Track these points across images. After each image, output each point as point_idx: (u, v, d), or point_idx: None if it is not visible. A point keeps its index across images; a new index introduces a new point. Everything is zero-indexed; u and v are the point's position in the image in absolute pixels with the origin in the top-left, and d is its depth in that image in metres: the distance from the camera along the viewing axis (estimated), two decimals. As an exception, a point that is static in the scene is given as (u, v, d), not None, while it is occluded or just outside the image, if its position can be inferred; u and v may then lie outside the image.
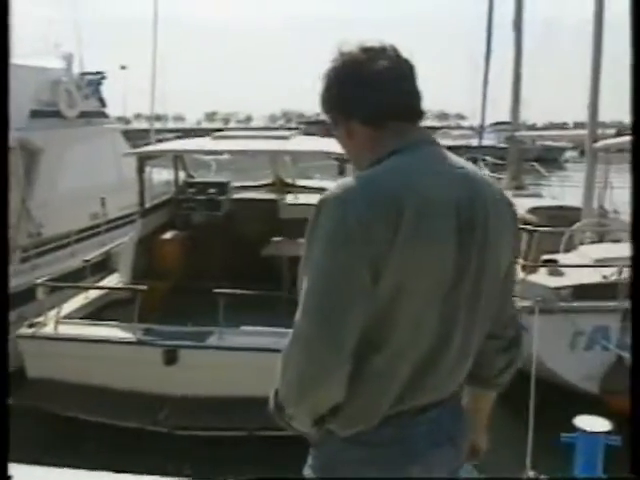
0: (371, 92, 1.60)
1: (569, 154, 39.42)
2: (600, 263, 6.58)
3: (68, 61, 11.07)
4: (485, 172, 11.58)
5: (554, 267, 6.64)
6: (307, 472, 1.70)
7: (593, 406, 4.30)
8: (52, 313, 6.01)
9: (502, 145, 19.86)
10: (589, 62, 8.86)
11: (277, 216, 8.42)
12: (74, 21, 14.19)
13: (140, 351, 5.64)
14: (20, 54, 8.42)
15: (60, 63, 10.91)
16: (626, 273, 6.09)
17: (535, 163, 16.57)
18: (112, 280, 7.16)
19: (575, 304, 6.19)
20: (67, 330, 5.86)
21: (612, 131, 12.02)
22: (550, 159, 30.93)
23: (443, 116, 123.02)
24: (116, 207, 10.15)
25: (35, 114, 9.30)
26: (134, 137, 16.12)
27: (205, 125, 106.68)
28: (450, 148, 1.74)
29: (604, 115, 9.43)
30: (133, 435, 5.35)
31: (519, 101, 13.72)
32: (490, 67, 14.60)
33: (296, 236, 7.43)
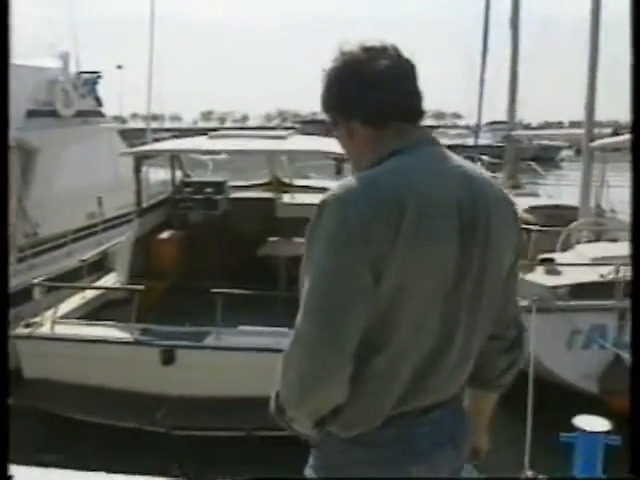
0: (372, 92, 1.59)
1: (565, 153, 39.52)
2: (597, 262, 6.59)
3: (64, 60, 11.05)
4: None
5: (551, 266, 6.65)
6: (308, 472, 1.69)
7: (592, 405, 4.31)
8: (49, 313, 5.99)
9: (498, 144, 19.88)
10: (585, 61, 8.87)
11: (274, 215, 8.41)
12: (70, 21, 14.12)
13: (137, 351, 5.63)
14: (16, 54, 8.40)
15: (56, 63, 10.90)
16: (623, 272, 6.10)
17: (532, 162, 16.59)
18: (109, 280, 7.14)
19: (572, 303, 6.19)
20: (64, 330, 5.84)
21: (608, 130, 12.05)
22: (546, 158, 30.99)
23: (440, 115, 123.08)
24: (113, 207, 10.13)
25: (31, 114, 9.28)
26: (130, 136, 16.09)
27: (201, 124, 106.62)
28: (447, 147, 1.73)
29: (600, 114, 9.43)
30: (130, 435, 5.34)
31: (515, 100, 13.73)
32: (487, 66, 14.61)
33: (293, 235, 7.52)
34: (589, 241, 8.11)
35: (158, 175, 10.49)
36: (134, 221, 7.58)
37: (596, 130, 9.35)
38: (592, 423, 2.92)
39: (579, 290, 6.26)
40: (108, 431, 5.39)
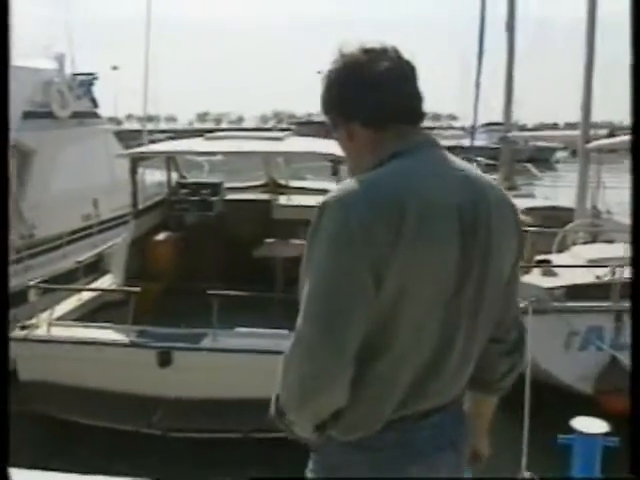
0: (372, 94, 1.58)
1: (560, 154, 39.56)
2: (593, 263, 6.60)
3: (60, 62, 11.03)
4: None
5: (547, 267, 6.65)
6: (309, 476, 1.69)
7: (589, 407, 4.31)
8: (45, 315, 5.97)
9: (494, 145, 19.89)
10: (581, 62, 8.88)
11: (270, 217, 8.40)
12: (66, 22, 14.10)
13: (134, 353, 5.61)
14: (13, 55, 8.38)
15: (52, 64, 10.88)
16: (619, 273, 6.11)
17: (527, 163, 16.60)
18: (105, 281, 7.12)
19: (569, 304, 6.19)
20: (60, 332, 5.82)
21: (604, 131, 12.06)
22: (541, 159, 31.02)
23: (435, 117, 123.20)
24: (109, 208, 10.11)
25: (27, 115, 9.26)
26: (126, 138, 16.05)
27: (197, 126, 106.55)
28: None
29: (595, 115, 9.45)
30: (127, 437, 5.32)
31: (511, 101, 13.74)
32: (482, 68, 14.61)
33: (289, 237, 7.51)
34: (585, 242, 8.12)
35: (154, 176, 10.48)
36: (130, 223, 7.57)
37: (592, 131, 9.36)
38: (590, 425, 2.92)
39: (575, 291, 6.27)
40: (104, 433, 5.38)
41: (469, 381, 1.72)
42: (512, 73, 13.56)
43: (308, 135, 12.30)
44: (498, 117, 14.96)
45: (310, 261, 1.49)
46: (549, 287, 6.28)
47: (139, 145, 10.47)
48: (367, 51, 1.60)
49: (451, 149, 1.67)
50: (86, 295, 6.69)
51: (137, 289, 6.04)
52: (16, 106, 8.89)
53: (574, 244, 7.91)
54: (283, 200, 8.79)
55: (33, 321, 5.88)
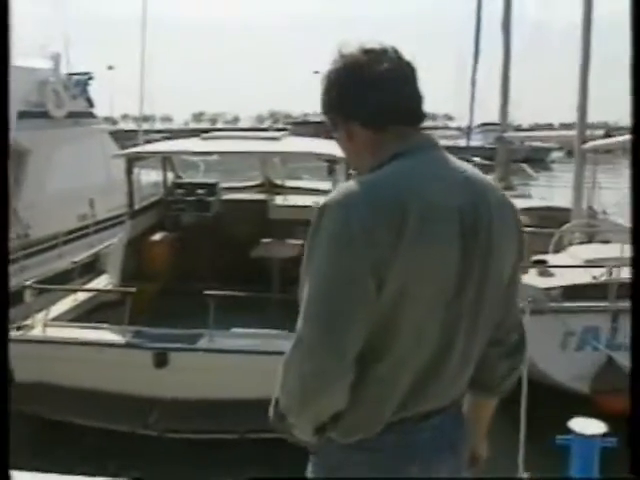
0: (371, 94, 1.58)
1: (555, 155, 39.66)
2: (590, 264, 6.60)
3: (55, 61, 11.01)
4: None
5: (544, 268, 6.66)
6: (310, 476, 1.69)
7: (585, 407, 4.31)
8: (40, 315, 5.94)
9: (490, 146, 19.93)
10: (577, 63, 8.89)
11: (266, 217, 8.39)
12: (62, 21, 14.11)
13: (130, 354, 5.59)
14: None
15: (47, 63, 10.85)
16: (616, 274, 6.12)
17: (523, 164, 16.62)
18: (101, 282, 7.10)
19: (565, 304, 6.20)
20: (55, 333, 5.80)
21: (600, 132, 12.10)
22: (537, 160, 31.07)
23: (431, 117, 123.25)
24: (104, 208, 10.09)
25: (23, 115, 9.23)
26: (121, 138, 16.05)
27: (193, 126, 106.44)
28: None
29: (590, 116, 9.46)
30: (123, 438, 5.31)
31: (507, 102, 13.75)
32: (478, 67, 14.64)
33: (286, 237, 7.51)
34: (581, 243, 8.13)
35: (150, 177, 10.47)
36: (126, 223, 7.55)
37: (588, 132, 9.38)
38: (588, 426, 2.92)
39: (572, 292, 6.27)
40: (100, 434, 5.37)
41: (469, 383, 1.72)
42: (508, 73, 13.57)
43: (304, 135, 12.30)
44: (494, 117, 14.98)
45: (310, 262, 1.48)
46: (546, 287, 6.28)
47: (135, 145, 10.46)
48: (367, 52, 1.59)
49: (447, 149, 1.67)
50: (82, 295, 6.67)
51: (133, 289, 6.03)
52: (11, 106, 8.86)
53: (570, 244, 7.91)
54: (279, 200, 8.79)
55: (28, 322, 5.86)
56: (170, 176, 8.83)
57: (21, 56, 9.50)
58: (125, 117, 74.60)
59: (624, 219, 9.16)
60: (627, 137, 9.11)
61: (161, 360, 5.44)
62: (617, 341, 6.09)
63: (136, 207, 7.68)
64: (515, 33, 13.66)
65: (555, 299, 6.24)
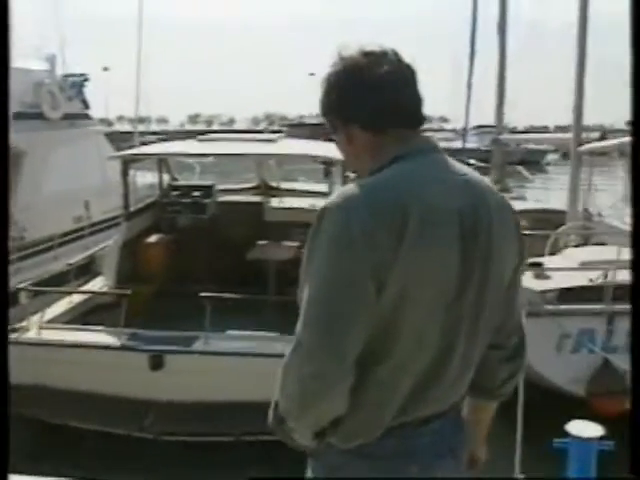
0: (371, 97, 1.57)
1: (551, 157, 39.74)
2: (586, 266, 6.61)
3: (51, 63, 10.99)
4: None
5: (540, 270, 6.65)
6: (309, 476, 1.68)
7: (581, 409, 4.31)
8: (35, 318, 5.92)
9: (485, 148, 19.93)
10: (572, 65, 8.90)
11: (262, 219, 8.39)
12: (57, 22, 14.08)
13: (125, 356, 5.57)
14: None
15: (43, 65, 10.83)
16: (611, 276, 6.12)
17: (519, 166, 16.63)
18: (96, 284, 7.09)
19: (561, 307, 6.20)
20: (51, 335, 5.77)
21: (596, 134, 12.12)
22: (532, 162, 31.13)
23: (426, 119, 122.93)
24: (100, 210, 10.07)
25: (18, 116, 9.20)
26: (117, 139, 16.01)
27: (188, 127, 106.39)
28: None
29: (586, 118, 9.48)
30: (119, 441, 5.29)
31: (503, 104, 13.75)
32: (474, 69, 14.64)
33: (282, 239, 7.51)
34: (577, 245, 8.13)
35: (145, 178, 10.45)
36: (122, 225, 7.54)
37: (584, 134, 9.39)
38: (585, 429, 2.92)
39: (568, 294, 6.27)
40: (96, 437, 5.35)
41: (469, 387, 1.71)
42: (504, 75, 13.57)
43: (300, 137, 12.30)
44: (489, 119, 14.98)
45: (310, 265, 1.48)
46: (542, 290, 6.28)
47: (130, 147, 10.45)
48: (367, 54, 1.59)
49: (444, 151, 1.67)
50: (77, 298, 6.65)
51: (129, 292, 6.01)
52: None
53: (566, 247, 7.92)
54: (275, 202, 8.78)
55: (23, 324, 5.84)
56: (166, 178, 8.82)
57: (16, 57, 9.48)
58: (120, 118, 74.41)
59: (619, 221, 9.19)
60: (624, 139, 9.14)
61: (157, 362, 5.42)
62: (613, 343, 6.09)
63: (132, 209, 7.67)
64: (511, 34, 13.66)
65: (551, 302, 6.24)
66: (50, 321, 6.03)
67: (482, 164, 15.70)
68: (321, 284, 1.44)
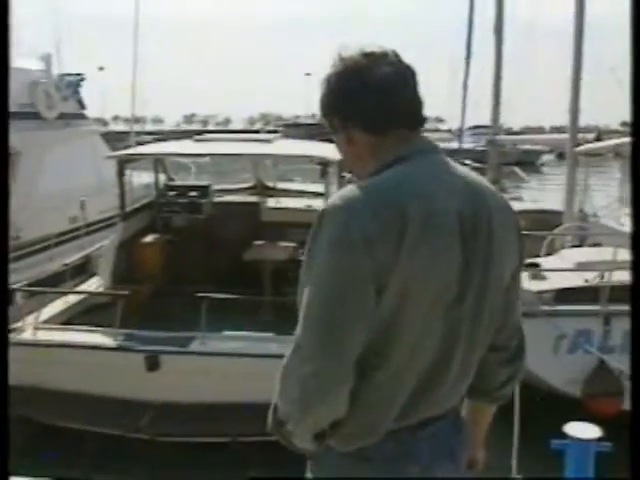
0: (372, 98, 1.56)
1: (546, 157, 39.79)
2: (582, 267, 6.62)
3: (47, 62, 10.96)
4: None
5: (536, 271, 6.66)
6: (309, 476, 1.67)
7: (577, 410, 4.31)
8: (30, 318, 5.91)
9: (481, 148, 19.92)
10: (568, 66, 8.92)
11: (259, 219, 8.38)
12: (53, 22, 14.04)
13: (121, 357, 5.56)
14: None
15: (38, 64, 10.80)
16: (608, 277, 6.13)
17: (515, 167, 16.64)
18: (92, 284, 7.07)
19: (558, 308, 6.21)
20: (46, 336, 5.76)
21: (591, 135, 12.14)
22: (528, 162, 31.14)
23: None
24: (96, 210, 10.04)
25: (13, 116, 9.11)
26: (112, 139, 15.99)
27: (184, 127, 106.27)
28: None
29: (581, 119, 9.49)
30: (114, 442, 5.28)
31: (499, 104, 13.75)
32: (470, 70, 14.63)
33: (278, 239, 7.50)
34: (573, 246, 8.15)
35: (141, 178, 10.43)
36: (118, 225, 7.53)
37: (580, 135, 9.41)
38: (583, 430, 2.91)
39: (564, 295, 6.28)
40: (91, 438, 5.33)
41: (468, 389, 1.71)
42: (500, 76, 13.56)
43: (296, 137, 12.32)
44: (485, 120, 14.97)
45: (310, 268, 1.47)
46: (538, 291, 6.29)
47: (126, 147, 10.42)
48: (367, 55, 1.58)
49: None
50: (73, 298, 6.64)
51: (125, 292, 6.00)
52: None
53: (562, 247, 7.93)
54: (271, 202, 8.77)
55: (19, 324, 5.82)
56: (162, 178, 8.80)
57: (12, 57, 9.45)
58: (116, 118, 74.39)
59: (615, 222, 9.20)
60: (620, 140, 9.16)
61: (153, 363, 5.41)
62: (609, 344, 6.10)
63: (128, 209, 7.65)
64: (507, 34, 13.64)
65: (548, 302, 6.25)
66: (45, 321, 6.02)
67: (478, 165, 15.70)
68: (321, 286, 1.43)
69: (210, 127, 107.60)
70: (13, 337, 5.68)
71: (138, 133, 15.93)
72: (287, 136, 13.10)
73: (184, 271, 7.57)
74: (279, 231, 7.65)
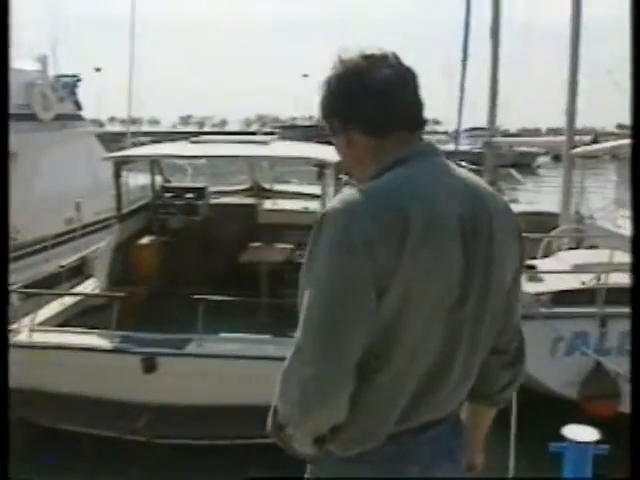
0: (372, 100, 1.56)
1: (542, 159, 39.84)
2: (578, 269, 6.62)
3: (43, 63, 10.94)
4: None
5: (533, 273, 6.66)
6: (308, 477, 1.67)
7: (574, 412, 4.31)
8: (26, 320, 5.89)
9: (477, 150, 19.93)
10: (565, 68, 8.92)
11: (255, 221, 8.37)
12: (51, 23, 14.03)
13: (118, 359, 5.55)
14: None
15: (35, 65, 10.78)
16: (604, 279, 6.14)
17: (511, 169, 16.65)
18: (88, 286, 7.05)
19: (555, 310, 6.20)
20: (42, 338, 5.74)
21: (588, 138, 12.15)
22: (524, 164, 31.17)
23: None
24: (92, 212, 10.02)
25: (9, 117, 9.14)
26: (109, 140, 15.96)
27: (180, 128, 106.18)
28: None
29: (578, 121, 9.50)
30: (111, 444, 5.26)
31: (496, 106, 13.76)
32: (467, 72, 14.64)
33: (274, 241, 7.49)
34: (570, 248, 8.15)
35: (137, 180, 10.41)
36: (114, 227, 7.51)
37: (576, 137, 9.41)
38: (581, 433, 2.91)
39: (561, 297, 6.28)
40: (88, 440, 5.32)
41: (469, 393, 1.70)
42: (496, 78, 13.57)
43: (292, 139, 12.31)
44: (481, 122, 14.97)
45: (310, 271, 1.46)
46: (535, 293, 6.29)
47: (122, 148, 10.41)
48: (367, 57, 1.57)
49: None
50: (69, 300, 6.62)
51: (121, 294, 5.99)
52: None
53: (559, 249, 7.93)
54: (268, 204, 8.77)
55: (15, 326, 5.80)
56: (158, 180, 8.79)
57: (12, 57, 9.43)
58: (112, 119, 74.12)
59: (611, 224, 9.21)
60: (617, 142, 9.16)
61: (149, 365, 5.40)
62: (605, 346, 6.10)
63: (124, 211, 7.64)
64: (504, 36, 13.64)
65: (544, 304, 6.25)
66: (42, 323, 6.00)
67: (474, 167, 15.68)
68: (321, 290, 1.42)
69: (206, 128, 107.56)
70: (9, 339, 5.66)
71: (134, 134, 15.90)
72: (284, 138, 13.07)
73: (180, 273, 7.56)
74: (276, 233, 7.64)
